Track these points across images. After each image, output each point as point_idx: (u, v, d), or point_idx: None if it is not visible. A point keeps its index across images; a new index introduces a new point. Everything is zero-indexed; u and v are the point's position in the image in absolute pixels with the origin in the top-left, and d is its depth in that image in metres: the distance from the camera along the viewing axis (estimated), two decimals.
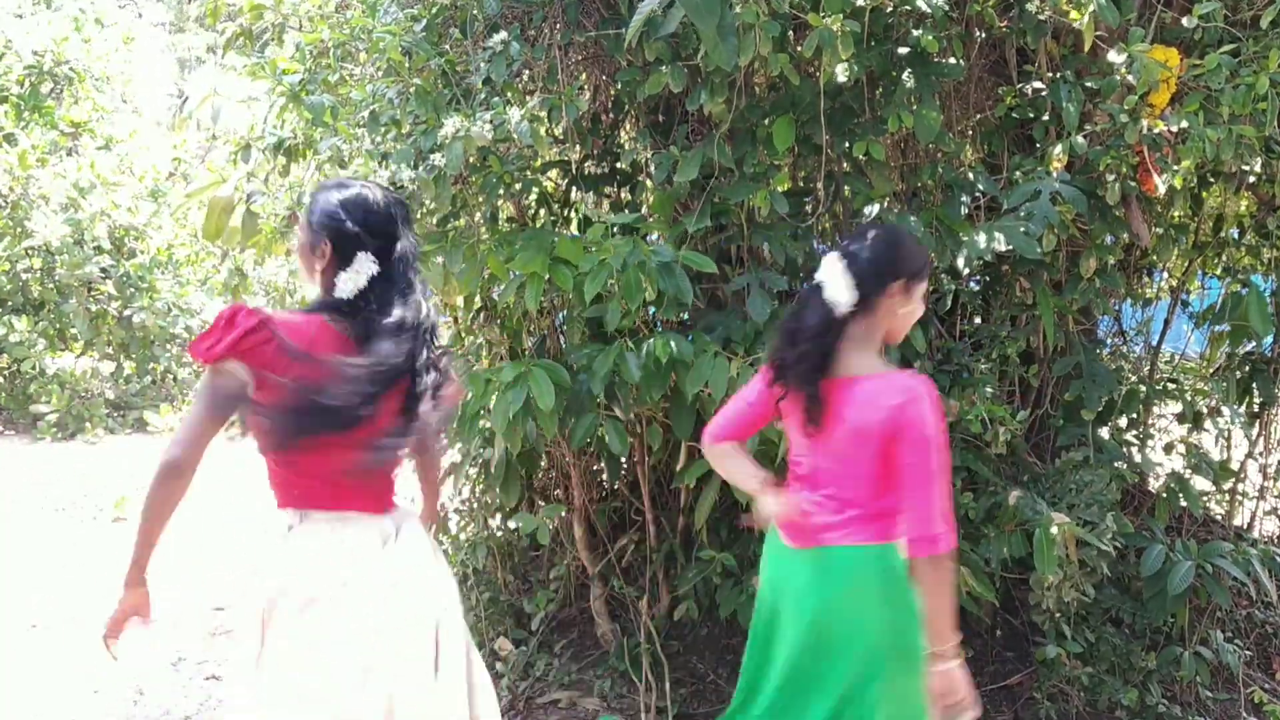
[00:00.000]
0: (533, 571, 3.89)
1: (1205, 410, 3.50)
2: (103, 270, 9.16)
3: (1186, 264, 3.67)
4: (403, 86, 2.96)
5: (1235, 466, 3.65)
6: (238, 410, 1.90)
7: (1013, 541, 2.95)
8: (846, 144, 2.95)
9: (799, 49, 2.77)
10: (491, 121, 2.70)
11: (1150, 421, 3.54)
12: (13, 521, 6.06)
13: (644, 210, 3.45)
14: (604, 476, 3.65)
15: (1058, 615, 3.05)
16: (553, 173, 3.52)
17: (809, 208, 3.24)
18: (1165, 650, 3.15)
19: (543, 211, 3.50)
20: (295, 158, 3.32)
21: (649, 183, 3.39)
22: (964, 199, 3.10)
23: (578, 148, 3.34)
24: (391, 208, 2.03)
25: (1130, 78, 2.72)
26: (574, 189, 3.48)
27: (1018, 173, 2.97)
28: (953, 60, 2.95)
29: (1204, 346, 3.79)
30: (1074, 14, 2.70)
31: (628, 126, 3.62)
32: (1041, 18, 2.84)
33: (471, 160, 2.80)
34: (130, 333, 9.45)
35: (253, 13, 3.35)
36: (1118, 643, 3.16)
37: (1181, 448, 3.42)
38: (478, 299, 3.51)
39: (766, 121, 2.96)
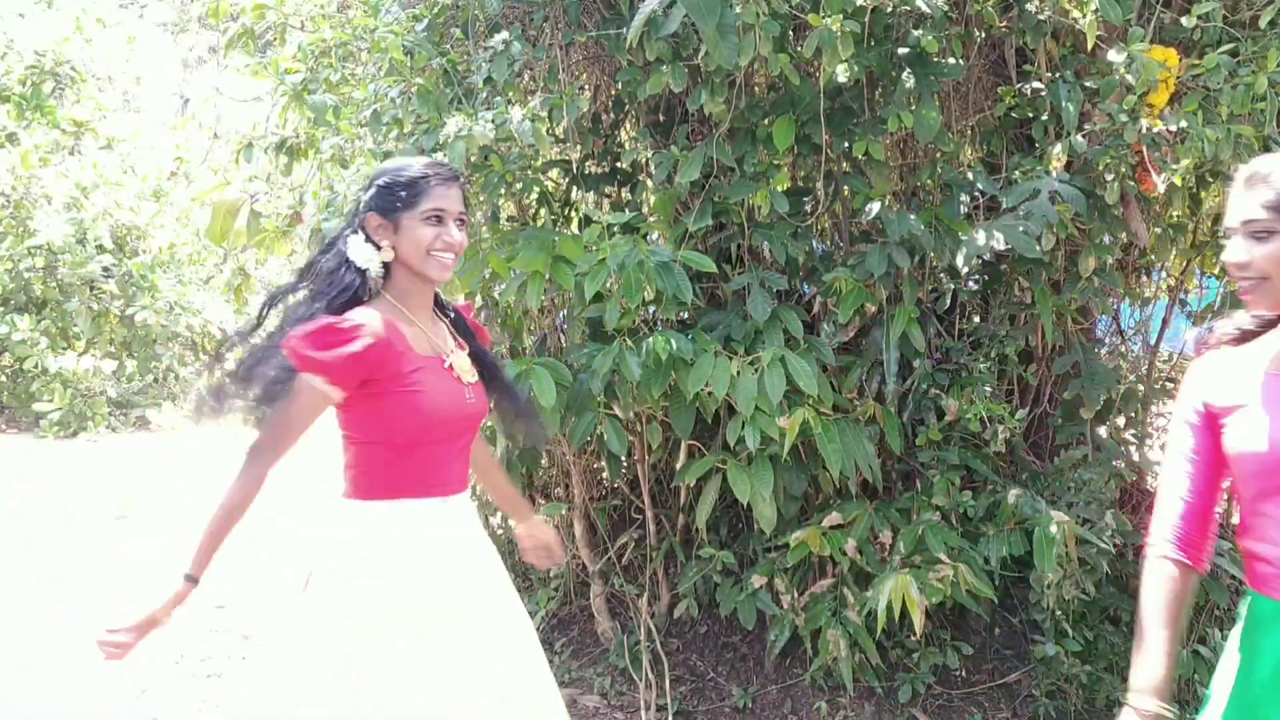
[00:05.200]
0: (533, 569, 3.90)
1: None
2: (105, 269, 9.19)
3: (1185, 263, 3.68)
4: (405, 86, 2.97)
5: None
6: None
7: (1012, 540, 2.96)
8: (846, 144, 2.97)
9: (799, 49, 2.78)
10: (493, 121, 2.71)
11: (1149, 420, 3.55)
12: (15, 520, 6.08)
13: (644, 210, 3.47)
14: (604, 475, 3.66)
15: (1057, 613, 3.06)
16: (554, 172, 3.53)
17: (809, 207, 3.25)
18: None
19: (544, 210, 3.52)
20: (298, 157, 3.33)
21: (649, 182, 3.41)
22: (963, 198, 3.11)
23: (578, 147, 3.35)
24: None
25: (1129, 77, 2.73)
26: (575, 188, 3.49)
27: (1017, 172, 2.98)
28: (952, 60, 2.96)
29: None
30: (1076, 13, 2.71)
31: (628, 126, 3.63)
32: (1041, 18, 2.84)
33: (473, 159, 2.81)
34: (132, 331, 9.47)
35: (255, 12, 3.36)
36: (1116, 641, 3.16)
37: None
38: (479, 297, 3.53)
39: (766, 121, 2.97)
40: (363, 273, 1.91)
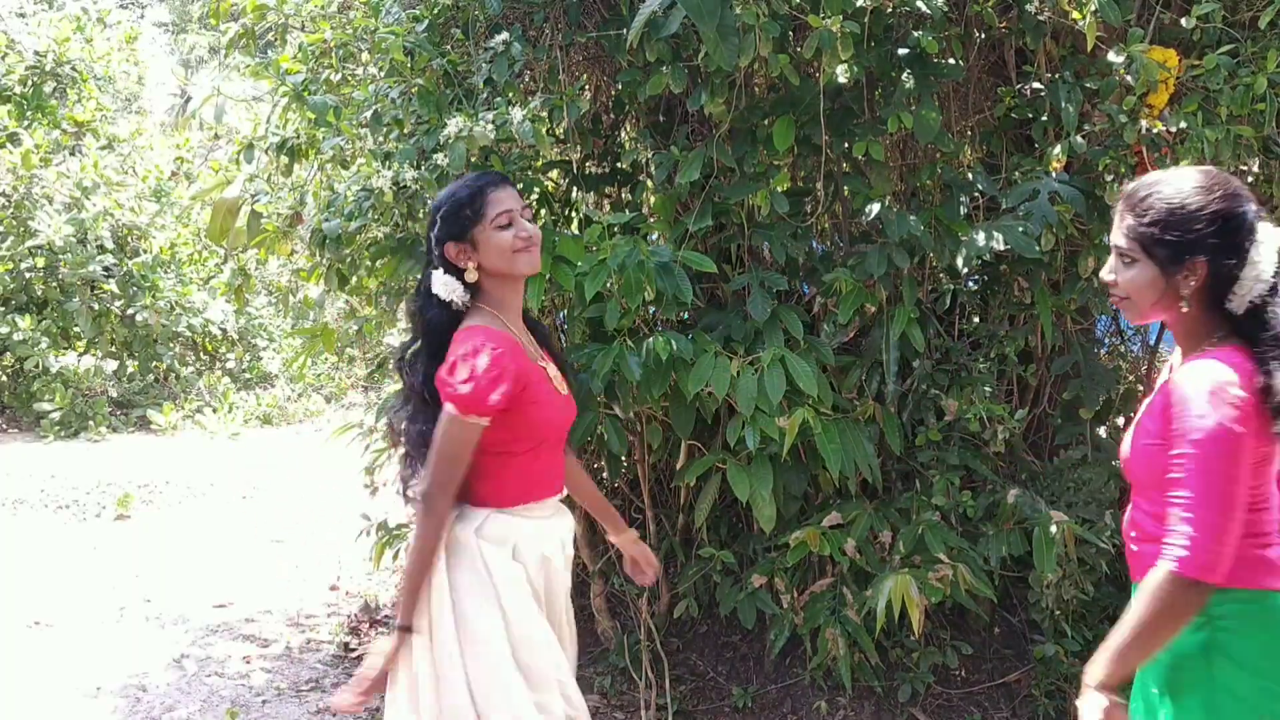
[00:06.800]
0: None
1: None
2: (106, 269, 9.19)
3: None
4: (405, 86, 2.98)
5: None
6: None
7: (1011, 540, 2.96)
8: (846, 144, 2.97)
9: (799, 50, 2.79)
10: (494, 121, 2.71)
11: None
12: (16, 519, 6.08)
13: (645, 210, 3.47)
14: (604, 475, 3.66)
15: (1056, 613, 3.07)
16: (554, 173, 3.54)
17: (809, 207, 3.26)
18: None
19: (544, 211, 3.52)
20: (298, 158, 3.34)
21: (649, 183, 3.41)
22: (963, 199, 3.11)
23: (579, 148, 3.36)
24: None
25: (1129, 78, 2.73)
26: (575, 189, 3.49)
27: (1016, 173, 2.98)
28: (952, 61, 2.97)
29: None
30: (1075, 14, 2.71)
31: (628, 127, 3.64)
32: (1041, 18, 2.85)
33: (474, 160, 2.81)
34: (133, 331, 9.47)
35: (255, 13, 3.37)
36: None
37: None
38: None
39: (766, 122, 2.97)
40: (448, 304, 2.01)
